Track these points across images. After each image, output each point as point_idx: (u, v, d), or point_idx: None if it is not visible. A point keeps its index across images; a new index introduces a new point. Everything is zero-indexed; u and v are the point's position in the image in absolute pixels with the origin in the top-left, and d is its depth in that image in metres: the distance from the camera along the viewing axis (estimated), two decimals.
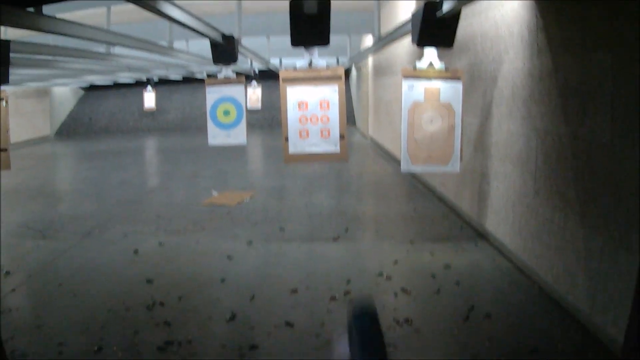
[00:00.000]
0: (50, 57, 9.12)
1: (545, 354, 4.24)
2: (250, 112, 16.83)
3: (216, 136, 7.39)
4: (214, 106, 7.32)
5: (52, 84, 19.77)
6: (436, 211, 8.83)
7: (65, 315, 5.24)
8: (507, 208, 6.39)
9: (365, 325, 0.59)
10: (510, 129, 6.25)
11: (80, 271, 6.48)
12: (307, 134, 6.81)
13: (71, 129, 24.15)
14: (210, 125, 7.37)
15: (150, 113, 24.17)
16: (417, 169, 6.44)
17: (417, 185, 10.86)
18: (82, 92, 25.90)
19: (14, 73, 10.74)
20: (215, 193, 10.78)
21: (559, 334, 4.53)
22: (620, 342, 3.90)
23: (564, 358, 4.20)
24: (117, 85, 24.75)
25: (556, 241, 5.08)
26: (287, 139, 6.86)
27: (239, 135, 7.36)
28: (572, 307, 4.79)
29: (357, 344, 0.60)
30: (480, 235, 7.27)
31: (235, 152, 14.77)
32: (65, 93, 24.46)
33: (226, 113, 7.30)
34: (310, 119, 6.79)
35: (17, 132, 18.55)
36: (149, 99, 21.47)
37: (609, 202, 4.21)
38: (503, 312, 5.00)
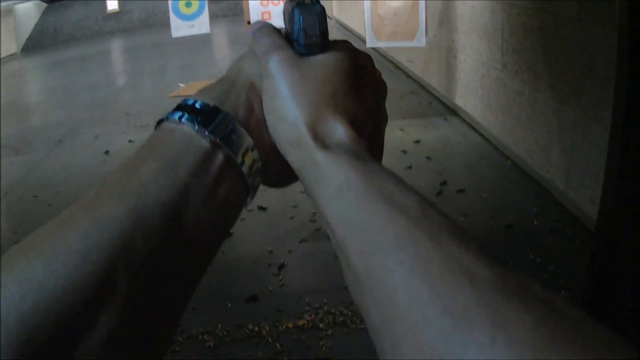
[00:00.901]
0: None
1: (520, 230, 4.28)
2: (213, 2, 16.42)
3: (179, 28, 7.18)
4: None
5: (14, 2, 19.10)
6: (404, 87, 8.73)
7: None
8: (475, 81, 6.34)
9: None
10: (474, 3, 6.12)
11: (54, 180, 6.37)
12: (270, 16, 6.68)
13: (37, 43, 23.46)
14: (172, 17, 7.16)
15: (114, 15, 23.57)
16: (383, 44, 6.36)
17: (384, 63, 10.72)
18: (44, 5, 25.07)
19: None
20: (182, 85, 10.60)
21: (534, 211, 4.55)
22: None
23: (540, 235, 4.23)
24: None
25: (527, 115, 5.06)
26: (249, 23, 6.71)
27: (202, 25, 7.17)
28: (547, 182, 4.80)
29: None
30: (450, 109, 7.24)
31: (200, 43, 14.48)
32: (28, 9, 23.63)
33: (188, 4, 7.09)
34: (272, 1, 6.64)
35: None
36: (112, 1, 20.87)
37: (579, 75, 4.17)
38: (476, 188, 5.02)
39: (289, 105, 0.54)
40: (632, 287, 2.50)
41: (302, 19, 0.58)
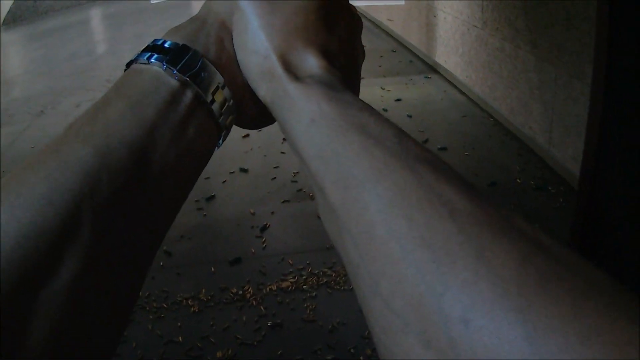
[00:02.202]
0: None
1: (503, 188, 4.28)
2: None
3: None
4: None
5: None
6: (384, 46, 8.68)
7: None
8: (455, 39, 6.31)
9: None
10: None
11: (37, 151, 6.32)
12: None
13: (17, 16, 23.16)
14: None
15: None
16: (361, 3, 6.32)
17: (365, 23, 10.67)
18: None
19: None
20: None
21: (517, 168, 4.56)
22: None
23: (524, 193, 4.24)
24: None
25: (508, 72, 5.05)
26: None
27: None
28: (530, 139, 4.80)
29: None
30: (431, 68, 7.22)
31: (179, 9, 14.38)
32: None
33: None
34: None
35: None
36: None
37: (559, 31, 4.15)
38: (458, 145, 5.02)
39: (259, 37, 0.54)
40: (615, 244, 2.51)
41: None
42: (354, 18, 0.61)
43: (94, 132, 0.46)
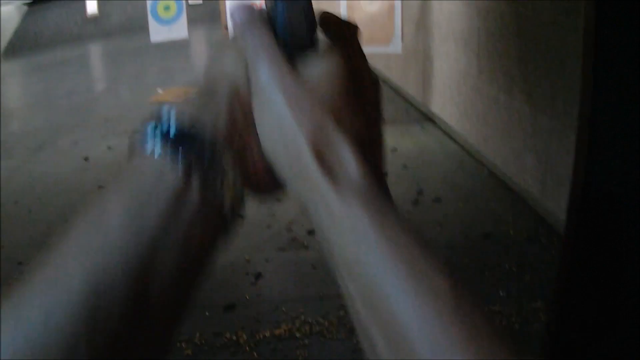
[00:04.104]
0: None
1: (496, 239, 4.29)
2: (192, 8, 16.38)
3: (158, 32, 7.21)
4: (154, 3, 7.12)
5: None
6: None
7: (23, 233, 5.14)
8: (451, 89, 6.37)
9: None
10: (451, 8, 6.15)
11: (34, 186, 6.35)
12: None
13: (17, 47, 23.25)
14: (151, 21, 7.18)
15: (94, 19, 23.47)
16: None
17: None
18: (25, 9, 24.90)
19: None
20: (160, 90, 10.55)
21: (510, 220, 4.57)
22: None
23: (516, 245, 4.24)
24: None
25: (503, 122, 5.09)
26: (226, 28, 6.74)
27: (180, 29, 7.20)
28: (523, 190, 4.82)
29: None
30: (426, 117, 7.26)
31: (179, 49, 14.45)
32: (9, 12, 23.44)
33: (166, 8, 7.12)
34: (254, 3, 6.66)
35: None
36: (91, 4, 20.98)
37: (554, 81, 4.19)
38: (453, 196, 5.04)
39: (285, 121, 0.48)
40: (599, 291, 2.52)
41: (287, 13, 0.52)
42: (375, 82, 0.56)
43: (93, 246, 0.46)
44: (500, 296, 3.58)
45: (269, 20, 0.53)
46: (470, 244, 4.24)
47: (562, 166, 4.15)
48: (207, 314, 3.68)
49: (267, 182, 0.55)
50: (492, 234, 4.35)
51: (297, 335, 3.46)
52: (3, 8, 22.51)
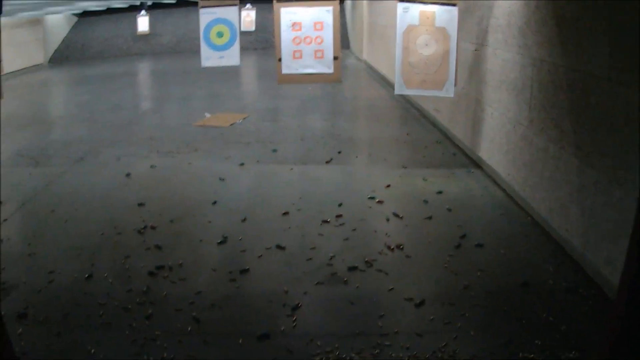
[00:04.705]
0: None
1: (535, 288, 4.25)
2: (244, 35, 16.64)
3: (209, 57, 7.30)
4: (208, 28, 7.22)
5: (45, 12, 19.40)
6: (429, 136, 8.77)
7: (57, 242, 5.23)
8: (501, 136, 6.36)
9: None
10: (505, 57, 6.16)
11: (72, 197, 6.45)
12: (301, 55, 6.79)
13: (64, 56, 23.80)
14: (203, 46, 7.28)
15: (144, 37, 23.84)
16: (411, 92, 6.46)
17: (411, 110, 10.78)
18: (75, 19, 25.46)
19: (7, 4, 10.48)
20: (207, 115, 10.69)
21: (550, 270, 4.51)
22: (613, 283, 3.90)
23: (555, 294, 4.20)
24: (110, 11, 24.24)
25: (550, 172, 5.06)
26: (280, 60, 6.84)
27: (232, 57, 7.28)
28: (565, 241, 4.78)
29: None
30: (474, 162, 7.25)
31: (228, 74, 14.63)
32: (58, 21, 24.03)
33: (219, 34, 7.20)
34: (304, 40, 6.75)
35: (11, 62, 18.18)
36: (143, 22, 21.28)
37: (603, 135, 4.17)
38: (495, 243, 5.00)
39: None
40: None
41: None
42: None
43: None
44: (536, 344, 3.54)
45: None
46: (509, 291, 4.20)
47: (606, 220, 4.12)
48: (240, 342, 3.68)
49: None
50: (531, 282, 4.30)
51: None
52: (51, 17, 23.01)
